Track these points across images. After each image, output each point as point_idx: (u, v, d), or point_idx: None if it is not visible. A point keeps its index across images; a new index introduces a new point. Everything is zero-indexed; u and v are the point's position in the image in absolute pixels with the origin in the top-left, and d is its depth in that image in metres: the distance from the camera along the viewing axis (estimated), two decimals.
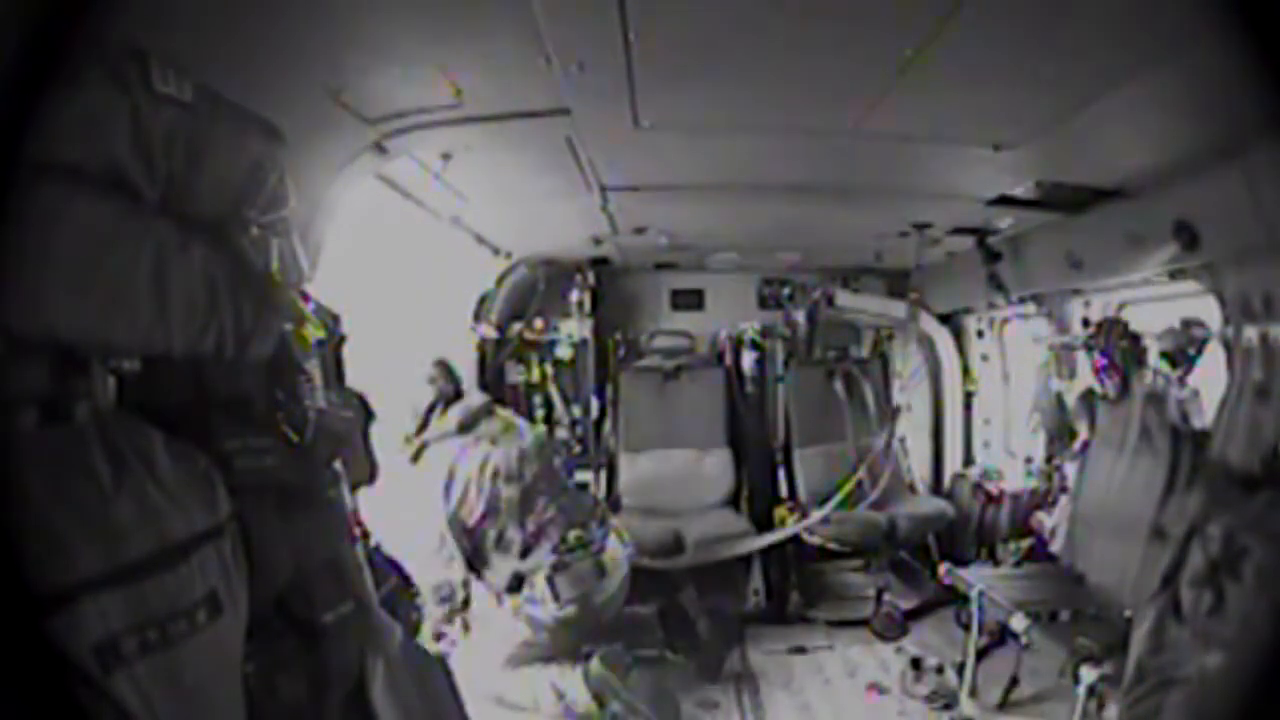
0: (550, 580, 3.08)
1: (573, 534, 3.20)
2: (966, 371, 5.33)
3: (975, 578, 3.50)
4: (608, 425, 5.30)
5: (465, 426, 3.20)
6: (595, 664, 3.10)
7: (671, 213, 3.64)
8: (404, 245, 3.54)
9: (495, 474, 3.11)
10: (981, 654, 3.45)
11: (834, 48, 1.80)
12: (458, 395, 3.32)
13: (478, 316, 4.78)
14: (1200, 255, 2.61)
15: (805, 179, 3.02)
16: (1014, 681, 3.39)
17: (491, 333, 4.88)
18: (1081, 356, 3.80)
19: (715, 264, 5.23)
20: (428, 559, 2.98)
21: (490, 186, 3.06)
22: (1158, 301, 3.44)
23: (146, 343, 1.18)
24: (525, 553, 3.11)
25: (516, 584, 3.11)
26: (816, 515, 4.49)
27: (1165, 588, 2.29)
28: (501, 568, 3.10)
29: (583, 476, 4.97)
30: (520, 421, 3.45)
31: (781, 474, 5.07)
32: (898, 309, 5.16)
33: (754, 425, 5.20)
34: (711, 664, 3.88)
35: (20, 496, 0.95)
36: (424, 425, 3.22)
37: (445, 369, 3.34)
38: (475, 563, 3.12)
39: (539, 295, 5.05)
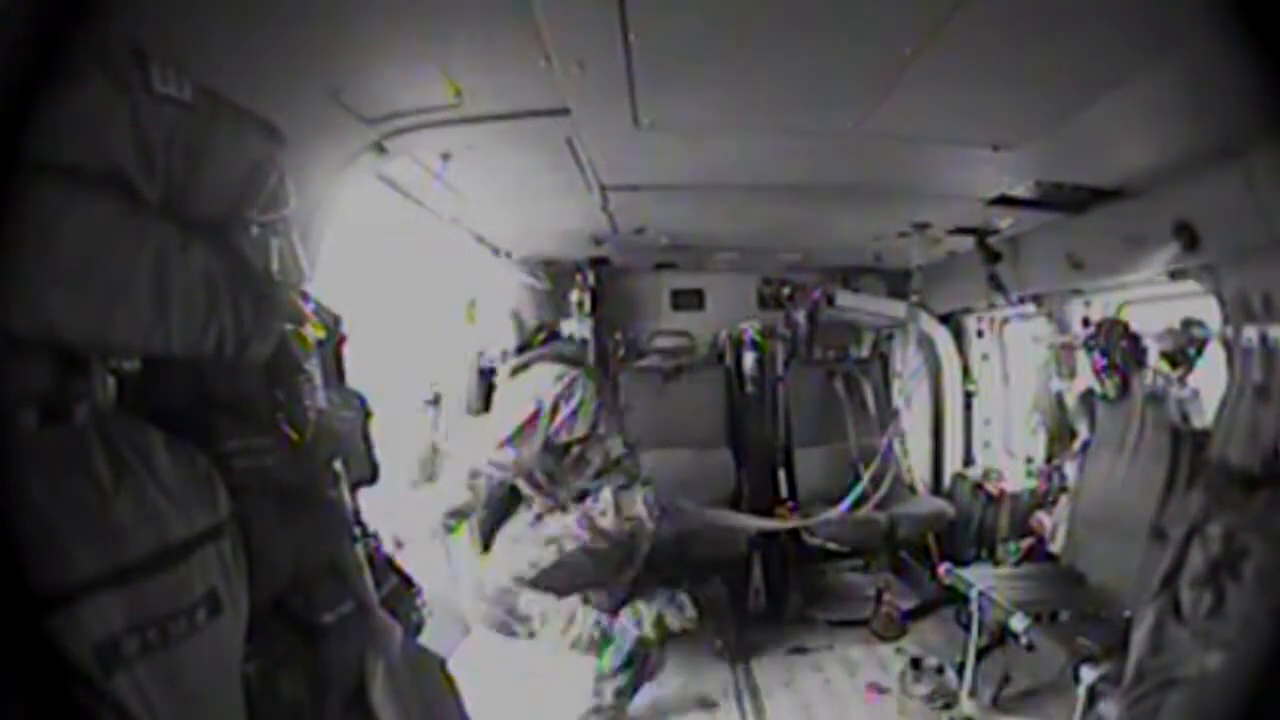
0: (616, 496, 3.43)
1: (631, 470, 3.57)
2: (966, 371, 5.33)
3: (975, 578, 3.50)
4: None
5: (562, 358, 3.54)
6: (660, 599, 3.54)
7: (672, 212, 3.64)
8: (405, 244, 3.55)
9: (583, 402, 3.41)
10: (981, 654, 3.45)
11: (834, 48, 1.80)
12: (555, 333, 3.69)
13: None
14: (1200, 255, 2.61)
15: (805, 179, 3.02)
16: (1005, 680, 3.40)
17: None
18: (1081, 356, 3.80)
19: (715, 264, 5.23)
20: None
21: (490, 186, 3.06)
22: (1158, 302, 3.44)
23: (146, 343, 1.18)
24: (598, 474, 3.46)
25: (580, 498, 3.46)
26: (826, 515, 4.49)
27: (1165, 588, 2.29)
28: (574, 485, 3.46)
29: None
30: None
31: (782, 474, 5.06)
32: (899, 309, 5.16)
33: (754, 425, 5.20)
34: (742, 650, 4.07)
35: (20, 497, 0.95)
36: (527, 347, 3.54)
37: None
38: (549, 477, 3.47)
39: (539, 295, 5.04)
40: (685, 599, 3.61)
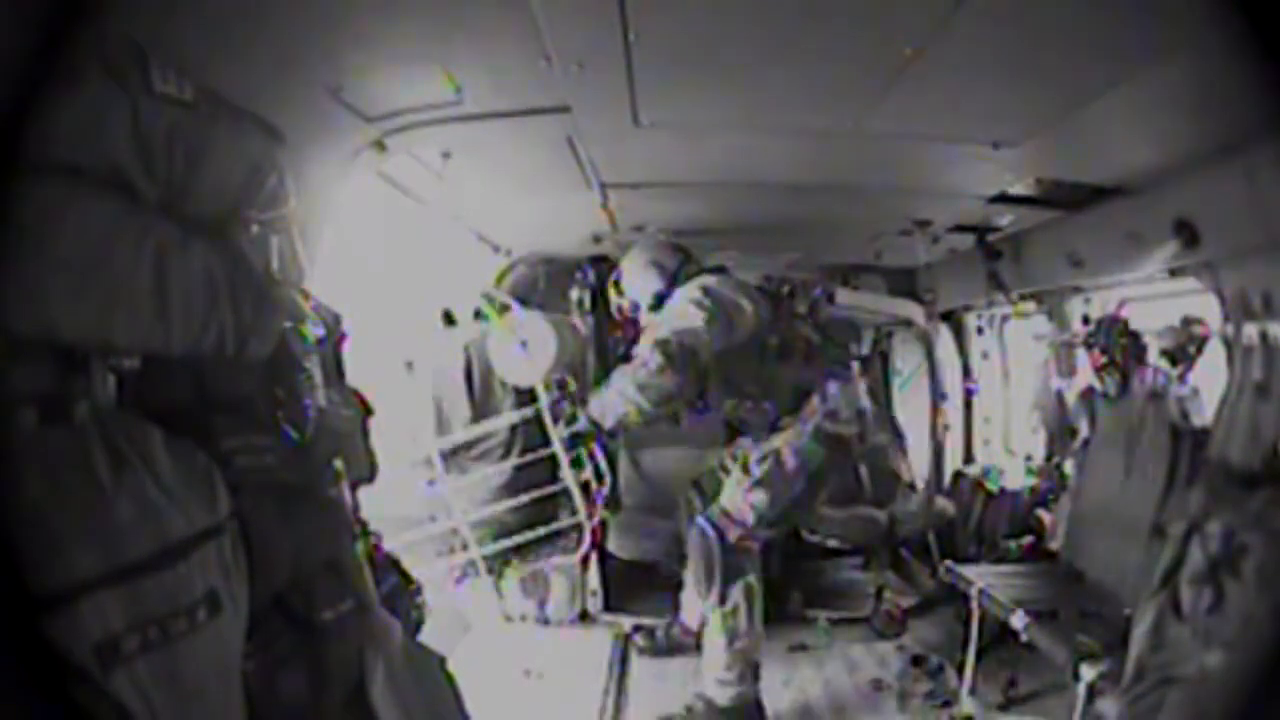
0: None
1: None
2: (966, 369, 5.33)
3: (975, 575, 3.50)
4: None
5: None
6: None
7: (671, 210, 3.64)
8: (407, 242, 3.56)
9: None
10: (981, 652, 3.45)
11: (834, 46, 1.80)
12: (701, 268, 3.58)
13: (477, 315, 4.77)
14: (1200, 253, 2.61)
15: (805, 177, 3.02)
16: (1012, 680, 3.40)
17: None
18: (1081, 354, 3.80)
19: (714, 262, 5.21)
20: None
21: (490, 184, 3.06)
22: (1158, 299, 3.44)
23: (146, 342, 1.18)
24: None
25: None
26: (826, 513, 4.48)
27: (1165, 586, 2.29)
28: None
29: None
30: None
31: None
32: (900, 307, 5.14)
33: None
34: None
35: (20, 496, 0.95)
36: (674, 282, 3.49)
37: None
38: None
39: (539, 293, 5.04)
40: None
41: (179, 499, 1.16)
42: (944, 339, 5.31)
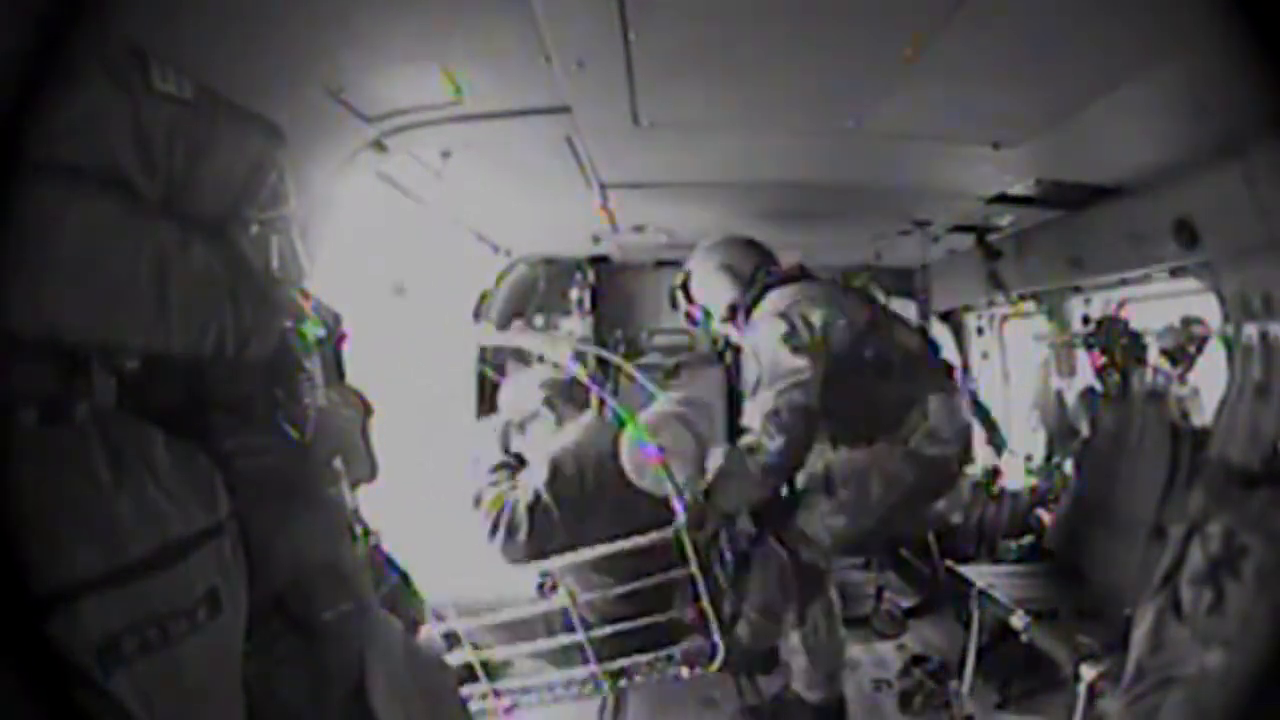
0: None
1: None
2: (966, 369, 5.33)
3: (975, 575, 3.50)
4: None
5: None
6: None
7: (671, 211, 3.64)
8: (404, 243, 3.55)
9: None
10: (981, 652, 3.45)
11: (834, 46, 1.80)
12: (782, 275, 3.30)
13: (478, 315, 4.77)
14: (1200, 253, 2.61)
15: (805, 177, 3.02)
16: (1010, 679, 3.40)
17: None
18: (1081, 354, 3.80)
19: None
20: None
21: (490, 184, 3.06)
22: (1158, 299, 3.44)
23: (147, 342, 1.18)
24: None
25: None
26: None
27: (1165, 586, 2.29)
28: None
29: None
30: None
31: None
32: (908, 309, 5.14)
33: None
34: None
35: (20, 496, 0.95)
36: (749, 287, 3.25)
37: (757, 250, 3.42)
38: None
39: (539, 293, 5.04)
40: None
41: (179, 499, 1.16)
42: (944, 339, 5.31)
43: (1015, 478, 4.65)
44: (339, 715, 1.50)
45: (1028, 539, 4.13)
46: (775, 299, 3.10)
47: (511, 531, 2.78)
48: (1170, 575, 2.28)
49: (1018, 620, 3.06)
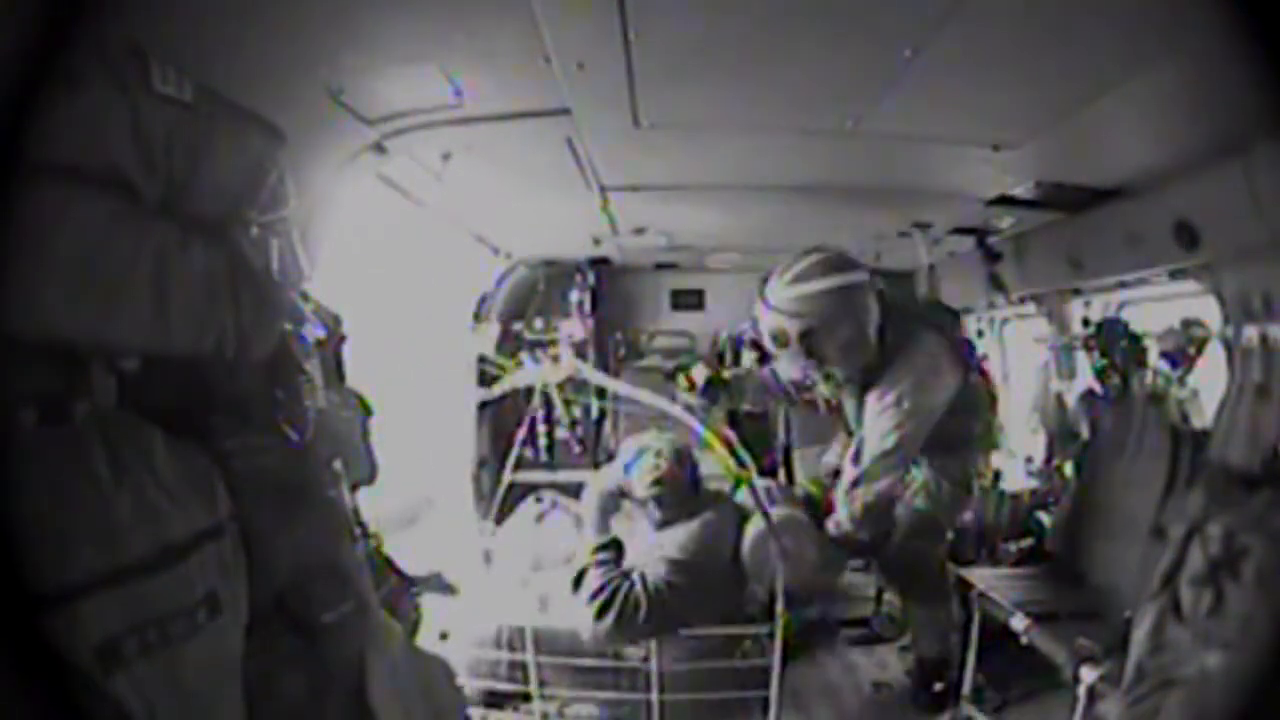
0: None
1: None
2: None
3: (975, 578, 3.50)
4: (608, 425, 5.29)
5: None
6: None
7: (672, 213, 3.64)
8: (404, 245, 3.55)
9: None
10: (981, 654, 3.44)
11: (834, 47, 1.80)
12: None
13: (478, 317, 4.78)
14: (1200, 255, 2.61)
15: (805, 179, 3.02)
16: (1010, 681, 3.39)
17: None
18: (1081, 356, 3.79)
19: (715, 264, 5.22)
20: None
21: (490, 186, 3.06)
22: (1158, 301, 3.44)
23: (146, 343, 1.18)
24: None
25: None
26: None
27: (1165, 587, 2.29)
28: None
29: (582, 476, 4.97)
30: None
31: (781, 474, 5.05)
32: None
33: (754, 425, 5.19)
34: None
35: (20, 496, 0.95)
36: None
37: None
38: None
39: (539, 295, 5.05)
40: None
41: (179, 500, 1.16)
42: None
43: (1015, 479, 4.65)
44: (339, 715, 1.50)
45: (1028, 541, 4.13)
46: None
47: (623, 620, 2.88)
48: (1170, 577, 2.28)
49: (1018, 622, 3.05)
